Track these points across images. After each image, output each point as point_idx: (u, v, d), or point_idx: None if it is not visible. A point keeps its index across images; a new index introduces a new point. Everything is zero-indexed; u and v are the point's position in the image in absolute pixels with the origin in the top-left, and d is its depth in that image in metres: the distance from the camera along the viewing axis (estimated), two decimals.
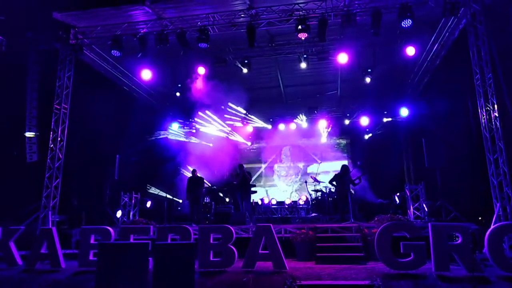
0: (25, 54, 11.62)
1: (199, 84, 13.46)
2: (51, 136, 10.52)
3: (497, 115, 8.69)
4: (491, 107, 8.79)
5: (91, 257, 7.24)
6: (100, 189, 12.08)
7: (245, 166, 12.32)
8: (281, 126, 17.27)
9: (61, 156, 10.49)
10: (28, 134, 11.30)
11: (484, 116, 8.89)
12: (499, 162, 8.54)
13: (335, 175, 10.98)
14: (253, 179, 12.67)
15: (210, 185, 15.46)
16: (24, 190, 10.73)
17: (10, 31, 10.92)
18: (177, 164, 15.33)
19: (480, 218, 9.76)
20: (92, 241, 7.40)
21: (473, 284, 5.56)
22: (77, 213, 11.27)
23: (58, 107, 10.69)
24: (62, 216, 10.63)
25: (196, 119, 16.13)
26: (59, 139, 10.53)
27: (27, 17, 10.84)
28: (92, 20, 10.56)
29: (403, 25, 9.12)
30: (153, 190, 14.79)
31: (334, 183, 10.84)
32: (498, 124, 8.65)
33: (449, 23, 10.29)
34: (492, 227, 6.69)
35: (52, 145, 10.48)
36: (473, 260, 6.10)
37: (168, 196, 13.97)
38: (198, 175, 11.91)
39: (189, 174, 13.18)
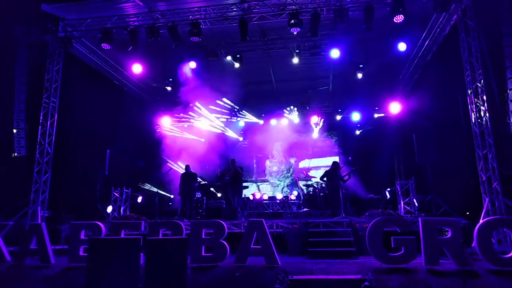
0: (13, 47, 11.39)
1: (190, 79, 13.34)
2: (40, 130, 10.37)
3: (486, 111, 8.77)
4: (481, 103, 8.88)
5: (81, 253, 7.15)
6: (90, 184, 11.94)
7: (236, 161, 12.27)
8: (273, 122, 17.26)
9: (50, 151, 10.34)
10: (16, 128, 11.09)
11: (474, 112, 8.98)
12: (488, 157, 8.64)
13: (326, 171, 11.02)
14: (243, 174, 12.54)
15: (200, 180, 15.41)
16: (13, 185, 10.56)
17: None
18: (168, 159, 15.23)
19: (468, 213, 9.88)
20: (82, 237, 7.32)
21: (463, 278, 5.63)
22: (66, 208, 11.13)
23: (47, 101, 10.52)
24: (52, 211, 10.49)
25: (187, 114, 16.01)
26: (48, 133, 10.38)
27: (15, 9, 10.62)
28: (81, 13, 10.38)
29: (395, 20, 9.13)
30: (144, 185, 14.69)
31: (325, 179, 10.89)
32: (487, 120, 8.74)
33: (440, 19, 10.34)
34: (481, 221, 6.77)
35: (41, 139, 10.32)
36: (463, 254, 6.18)
37: (159, 191, 13.88)
38: (191, 171, 11.86)
39: (180, 170, 13.11)
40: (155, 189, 13.91)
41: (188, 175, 11.49)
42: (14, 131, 11.17)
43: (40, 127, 10.37)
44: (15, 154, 10.83)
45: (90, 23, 10.61)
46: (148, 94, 15.76)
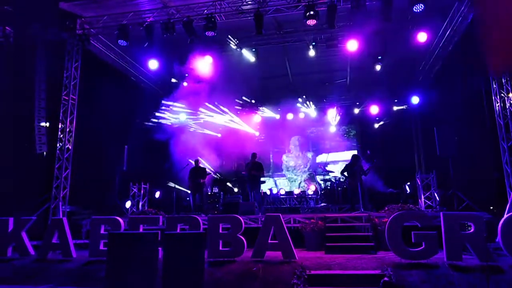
0: (33, 45, 11.60)
1: (205, 73, 13.32)
2: (59, 127, 10.58)
3: None
4: (505, 94, 8.57)
5: (101, 247, 7.30)
6: (110, 180, 12.11)
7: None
8: (290, 116, 17.14)
9: (70, 147, 10.55)
10: (37, 126, 11.32)
11: (498, 103, 8.68)
12: None
13: (346, 165, 10.90)
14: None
15: (218, 176, 15.46)
16: (35, 181, 10.81)
17: (17, 22, 10.90)
18: (185, 154, 15.32)
19: (491, 207, 9.59)
20: (102, 231, 7.46)
21: (486, 274, 5.46)
22: (87, 203, 11.35)
23: (67, 98, 10.73)
24: (73, 206, 10.72)
25: (203, 109, 16.05)
26: (68, 130, 10.59)
27: (34, 8, 10.80)
28: (98, 10, 10.50)
29: (414, 10, 8.88)
30: (164, 181, 14.82)
31: (345, 173, 10.76)
32: None
33: (462, 7, 9.99)
34: (505, 216, 6.57)
35: (61, 136, 10.54)
36: (486, 249, 6.01)
37: (177, 186, 13.98)
38: (201, 165, 11.90)
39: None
40: (172, 184, 14.03)
41: (197, 170, 11.54)
42: (35, 128, 11.39)
43: (60, 124, 10.58)
44: (37, 151, 11.06)
45: (106, 20, 10.73)
46: (164, 89, 15.85)
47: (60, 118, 10.63)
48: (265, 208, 12.13)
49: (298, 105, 16.85)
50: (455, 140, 10.32)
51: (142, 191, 12.16)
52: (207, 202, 12.30)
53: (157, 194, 13.27)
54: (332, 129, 17.09)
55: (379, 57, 12.43)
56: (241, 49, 12.69)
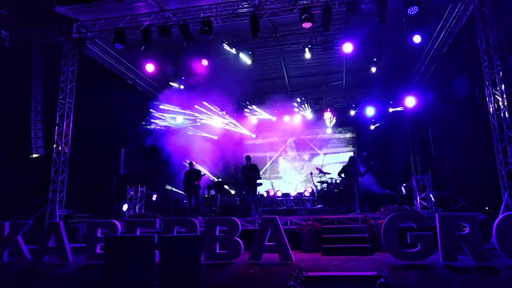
0: (29, 49, 11.60)
1: (202, 76, 13.37)
2: (56, 130, 10.57)
3: (505, 103, 8.54)
4: (499, 95, 8.64)
5: (98, 251, 7.28)
6: (106, 183, 12.10)
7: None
8: (286, 118, 17.19)
9: (66, 151, 10.54)
10: (34, 129, 11.31)
11: (492, 104, 8.74)
12: (507, 150, 8.41)
13: (343, 166, 10.96)
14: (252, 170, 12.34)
15: (215, 178, 15.47)
16: (31, 185, 10.79)
17: (13, 26, 10.90)
18: (182, 156, 15.32)
19: (487, 208, 9.66)
20: (99, 235, 7.45)
21: (482, 274, 5.50)
22: (83, 207, 11.32)
23: (63, 102, 10.72)
24: (69, 210, 10.69)
25: (200, 112, 16.07)
26: (64, 133, 10.58)
27: (30, 12, 10.81)
28: (94, 13, 10.50)
29: (409, 12, 8.95)
30: (159, 184, 14.80)
31: (343, 175, 10.82)
32: (506, 112, 8.51)
33: (456, 10, 10.07)
34: (500, 216, 6.62)
35: (57, 140, 10.53)
36: (481, 249, 6.05)
37: (174, 189, 13.96)
38: (196, 167, 11.92)
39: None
40: (169, 187, 14.01)
41: (192, 172, 11.56)
42: (32, 132, 11.38)
43: (56, 127, 10.57)
44: (33, 155, 11.05)
45: (103, 24, 10.74)
46: (161, 92, 15.86)
47: (57, 122, 10.61)
48: (261, 210, 12.15)
49: (295, 109, 16.93)
50: (450, 141, 10.39)
51: (139, 194, 12.16)
52: (203, 204, 12.32)
53: (154, 197, 13.26)
54: (328, 131, 17.16)
55: (375, 59, 12.51)
56: (237, 52, 12.74)
